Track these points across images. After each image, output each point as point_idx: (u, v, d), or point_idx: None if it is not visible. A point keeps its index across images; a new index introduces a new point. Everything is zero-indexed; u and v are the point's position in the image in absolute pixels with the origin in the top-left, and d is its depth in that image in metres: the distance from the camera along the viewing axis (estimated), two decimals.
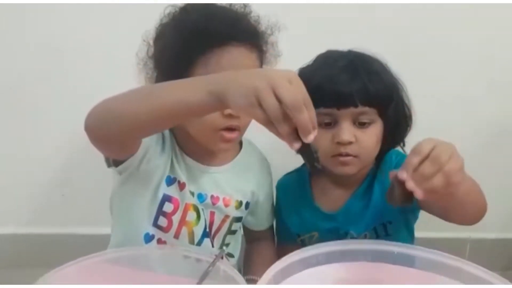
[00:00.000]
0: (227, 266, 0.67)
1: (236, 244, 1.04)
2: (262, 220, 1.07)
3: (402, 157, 0.97)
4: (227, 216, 0.96)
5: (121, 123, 0.70)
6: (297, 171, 1.09)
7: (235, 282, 0.63)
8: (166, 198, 0.90)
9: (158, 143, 0.89)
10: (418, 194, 0.61)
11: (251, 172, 1.02)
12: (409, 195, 0.62)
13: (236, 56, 0.82)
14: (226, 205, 0.96)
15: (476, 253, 1.62)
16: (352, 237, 0.98)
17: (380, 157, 0.98)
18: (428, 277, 0.64)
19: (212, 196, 0.94)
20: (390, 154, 0.99)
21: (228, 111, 0.81)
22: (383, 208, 0.95)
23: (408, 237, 1.03)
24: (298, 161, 0.92)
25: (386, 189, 0.87)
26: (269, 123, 0.56)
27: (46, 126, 1.49)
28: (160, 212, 0.90)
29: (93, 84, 1.43)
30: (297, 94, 0.55)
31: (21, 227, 1.63)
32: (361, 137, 0.90)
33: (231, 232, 0.99)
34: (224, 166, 0.97)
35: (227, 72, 0.66)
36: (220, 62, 0.81)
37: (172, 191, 0.90)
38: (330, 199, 1.02)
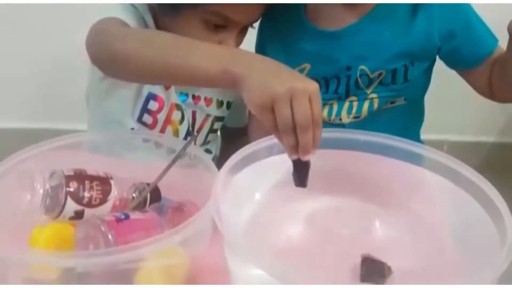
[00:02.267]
0: (199, 151, 0.67)
1: (215, 142, 1.04)
2: (239, 118, 1.06)
3: None
4: (208, 115, 0.96)
5: (130, 73, 0.69)
6: None
7: (205, 166, 0.63)
8: (151, 96, 0.88)
9: None
10: None
11: None
12: None
13: None
14: (208, 105, 0.95)
15: (453, 155, 1.67)
16: (364, 75, 0.83)
17: None
18: (395, 164, 0.64)
19: (193, 96, 0.93)
20: None
21: (220, 38, 0.79)
22: (415, 41, 0.81)
23: (426, 83, 0.91)
24: None
25: (433, 19, 0.78)
26: (275, 129, 0.55)
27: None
28: (145, 109, 0.89)
29: None
30: (310, 113, 0.54)
31: None
32: None
33: (213, 130, 0.99)
34: None
35: (251, 55, 0.62)
36: None
37: (157, 89, 0.88)
38: (332, 16, 0.83)
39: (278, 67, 0.58)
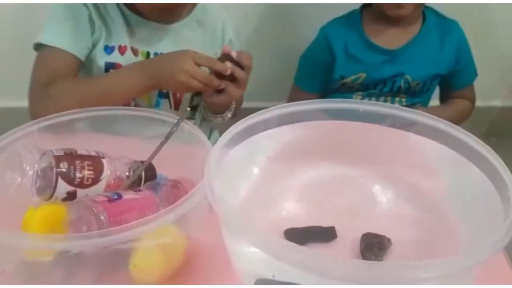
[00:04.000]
0: (192, 126, 0.66)
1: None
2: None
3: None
4: None
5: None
6: (345, 16, 1.14)
7: (200, 142, 0.62)
8: (110, 66, 0.88)
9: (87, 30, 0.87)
10: None
11: (210, 28, 0.98)
12: None
13: None
14: None
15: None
16: (406, 83, 1.08)
17: None
18: (394, 133, 0.61)
19: None
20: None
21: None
22: (442, 68, 1.10)
23: (432, 92, 1.19)
24: None
25: (454, 51, 1.08)
26: (205, 87, 0.77)
27: None
28: None
29: None
30: (209, 59, 0.77)
31: None
32: None
33: (198, 93, 0.95)
34: (181, 21, 0.94)
35: (156, 58, 0.87)
36: None
37: (114, 58, 0.88)
38: (388, 38, 1.08)
39: (173, 57, 0.78)
